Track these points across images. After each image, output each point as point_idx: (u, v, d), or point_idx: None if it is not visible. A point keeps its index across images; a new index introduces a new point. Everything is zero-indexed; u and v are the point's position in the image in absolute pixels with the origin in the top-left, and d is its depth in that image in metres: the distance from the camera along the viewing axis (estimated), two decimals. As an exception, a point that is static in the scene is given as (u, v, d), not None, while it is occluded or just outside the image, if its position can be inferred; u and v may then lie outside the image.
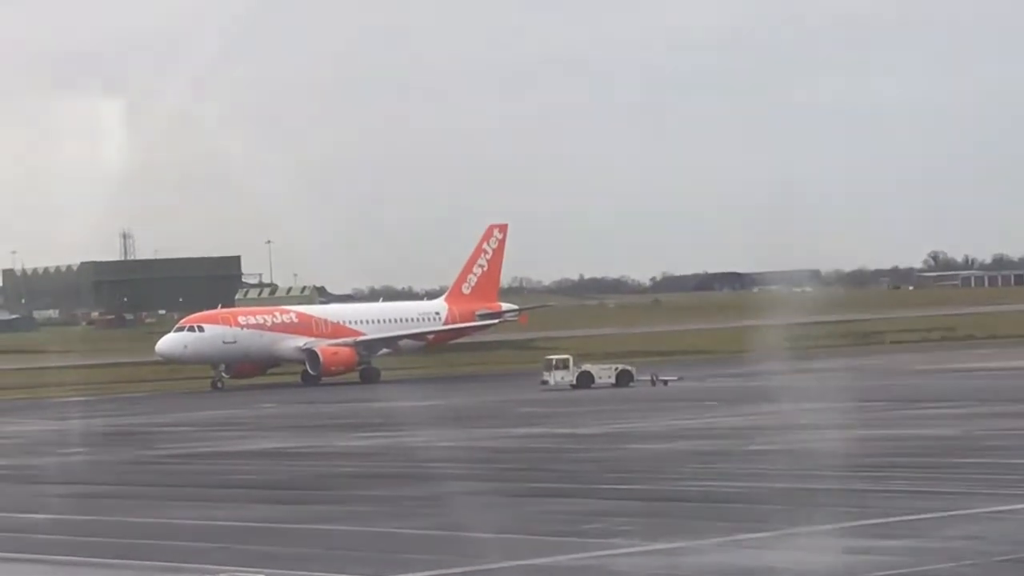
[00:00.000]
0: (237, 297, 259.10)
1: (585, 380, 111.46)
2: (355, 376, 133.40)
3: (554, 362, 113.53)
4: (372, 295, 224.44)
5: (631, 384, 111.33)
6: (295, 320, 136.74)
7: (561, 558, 40.67)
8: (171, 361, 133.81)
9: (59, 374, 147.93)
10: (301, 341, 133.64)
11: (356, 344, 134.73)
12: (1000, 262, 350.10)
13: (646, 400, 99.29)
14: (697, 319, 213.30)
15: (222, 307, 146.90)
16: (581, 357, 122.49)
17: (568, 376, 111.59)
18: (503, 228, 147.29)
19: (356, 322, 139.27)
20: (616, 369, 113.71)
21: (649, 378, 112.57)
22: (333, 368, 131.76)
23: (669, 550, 41.24)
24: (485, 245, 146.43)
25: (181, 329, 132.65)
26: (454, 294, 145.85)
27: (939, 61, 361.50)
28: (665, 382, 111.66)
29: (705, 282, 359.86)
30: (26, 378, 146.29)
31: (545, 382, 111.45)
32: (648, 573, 38.10)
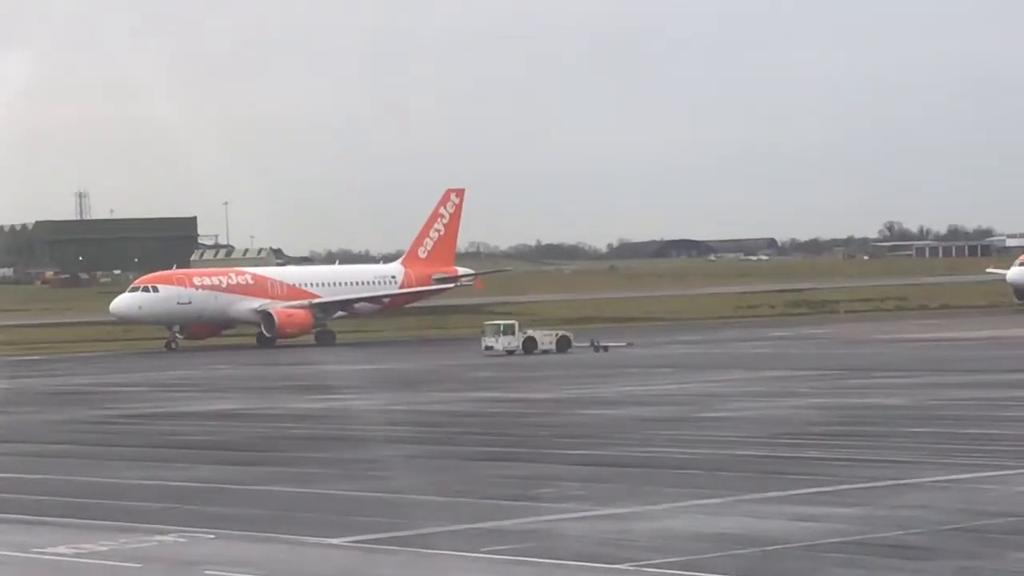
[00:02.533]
0: (193, 258, 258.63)
1: (530, 345, 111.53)
2: (310, 338, 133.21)
3: (501, 327, 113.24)
4: (329, 258, 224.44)
5: (569, 350, 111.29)
6: (251, 282, 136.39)
7: (513, 521, 40.64)
8: (125, 321, 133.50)
9: (11, 332, 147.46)
10: (256, 303, 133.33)
11: (311, 306, 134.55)
12: (954, 233, 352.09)
13: (595, 366, 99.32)
14: (653, 286, 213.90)
15: (177, 268, 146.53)
16: (535, 323, 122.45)
17: (514, 341, 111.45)
18: (460, 192, 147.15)
19: (312, 284, 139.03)
20: (556, 335, 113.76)
21: (590, 343, 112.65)
22: (288, 330, 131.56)
23: (621, 515, 41.25)
24: (442, 209, 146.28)
25: (136, 289, 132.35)
26: (410, 258, 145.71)
27: (895, 36, 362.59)
28: (606, 348, 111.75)
29: (662, 249, 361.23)
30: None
31: (489, 347, 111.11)
32: (600, 537, 38.08)
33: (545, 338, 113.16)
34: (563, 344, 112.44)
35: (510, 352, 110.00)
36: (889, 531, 37.95)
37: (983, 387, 76.93)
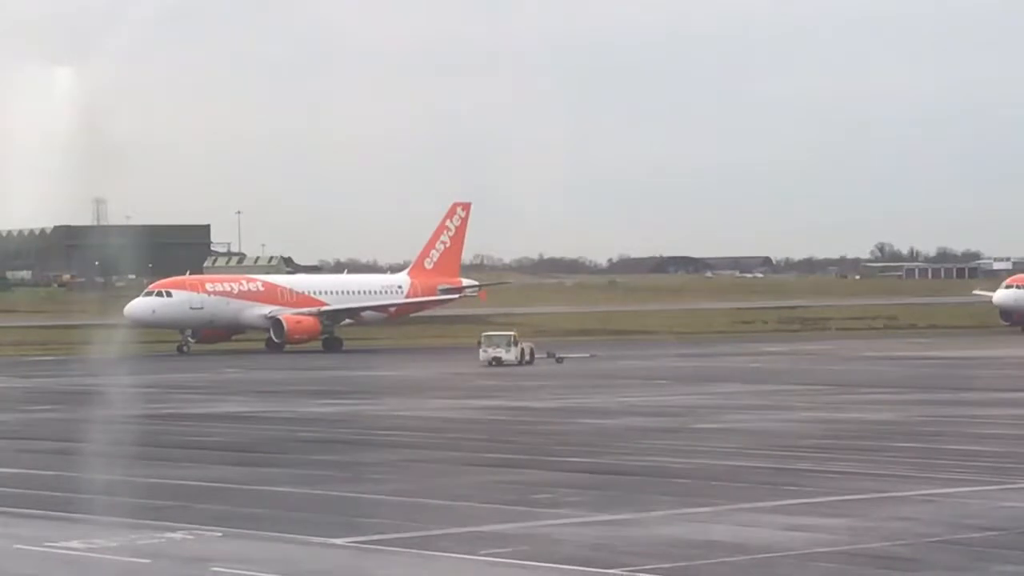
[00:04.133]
0: (205, 265, 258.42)
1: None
2: (318, 345, 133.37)
3: (498, 339, 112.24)
4: (337, 267, 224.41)
5: (532, 362, 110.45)
6: (261, 289, 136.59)
7: (511, 525, 40.66)
8: (139, 324, 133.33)
9: (28, 333, 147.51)
10: (266, 309, 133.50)
11: (320, 314, 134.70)
12: (943, 255, 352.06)
13: (595, 376, 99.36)
14: (652, 300, 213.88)
15: (190, 274, 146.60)
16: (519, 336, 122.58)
17: (511, 353, 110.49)
18: (466, 206, 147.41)
19: (321, 292, 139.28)
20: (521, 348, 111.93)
21: (546, 354, 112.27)
22: (297, 336, 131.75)
23: (615, 521, 41.27)
24: (448, 222, 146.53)
25: (150, 294, 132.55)
26: (417, 268, 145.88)
27: (896, 65, 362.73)
28: (560, 359, 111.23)
29: (660, 265, 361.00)
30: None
31: (498, 360, 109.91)
32: (595, 542, 38.10)
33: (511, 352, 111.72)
34: (530, 356, 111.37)
35: (499, 362, 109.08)
36: (876, 542, 37.96)
37: (968, 405, 76.99)
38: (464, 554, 36.69)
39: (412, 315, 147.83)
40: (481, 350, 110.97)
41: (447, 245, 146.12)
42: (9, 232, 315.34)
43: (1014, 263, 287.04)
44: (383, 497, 46.03)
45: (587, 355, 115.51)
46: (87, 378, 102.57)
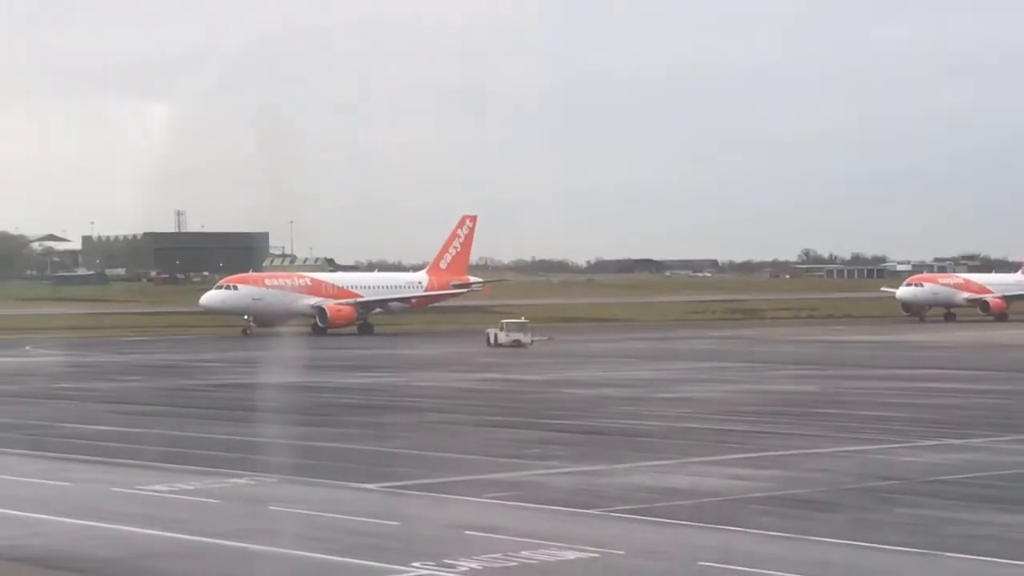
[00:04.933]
0: (264, 264, 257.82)
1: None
2: (354, 329, 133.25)
3: (512, 325, 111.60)
4: (370, 266, 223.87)
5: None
6: (309, 284, 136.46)
7: (508, 475, 40.65)
8: (211, 312, 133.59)
9: (124, 319, 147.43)
10: (313, 300, 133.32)
11: (356, 304, 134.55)
12: (856, 259, 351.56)
13: (575, 356, 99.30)
14: (620, 294, 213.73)
15: (252, 271, 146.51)
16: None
17: (527, 337, 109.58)
18: (474, 219, 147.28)
19: (356, 287, 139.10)
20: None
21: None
22: (337, 322, 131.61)
23: (592, 471, 41.26)
24: (459, 231, 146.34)
25: (220, 287, 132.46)
26: (434, 268, 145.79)
27: (824, 97, 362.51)
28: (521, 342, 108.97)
29: (629, 266, 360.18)
30: (98, 321, 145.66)
31: (518, 342, 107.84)
32: (575, 488, 38.10)
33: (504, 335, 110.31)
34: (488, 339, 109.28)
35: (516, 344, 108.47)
36: (801, 489, 37.97)
37: (877, 379, 76.94)
38: (471, 496, 36.69)
39: (430, 305, 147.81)
40: (503, 334, 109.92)
41: (458, 249, 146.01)
42: (108, 237, 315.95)
43: (913, 265, 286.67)
44: (406, 451, 46.04)
45: (546, 337, 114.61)
46: (169, 355, 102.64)
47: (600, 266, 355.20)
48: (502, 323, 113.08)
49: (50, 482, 39.79)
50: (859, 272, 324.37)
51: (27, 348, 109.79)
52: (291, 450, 46.40)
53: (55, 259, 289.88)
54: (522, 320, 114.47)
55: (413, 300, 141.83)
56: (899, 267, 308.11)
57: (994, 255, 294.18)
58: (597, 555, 29.13)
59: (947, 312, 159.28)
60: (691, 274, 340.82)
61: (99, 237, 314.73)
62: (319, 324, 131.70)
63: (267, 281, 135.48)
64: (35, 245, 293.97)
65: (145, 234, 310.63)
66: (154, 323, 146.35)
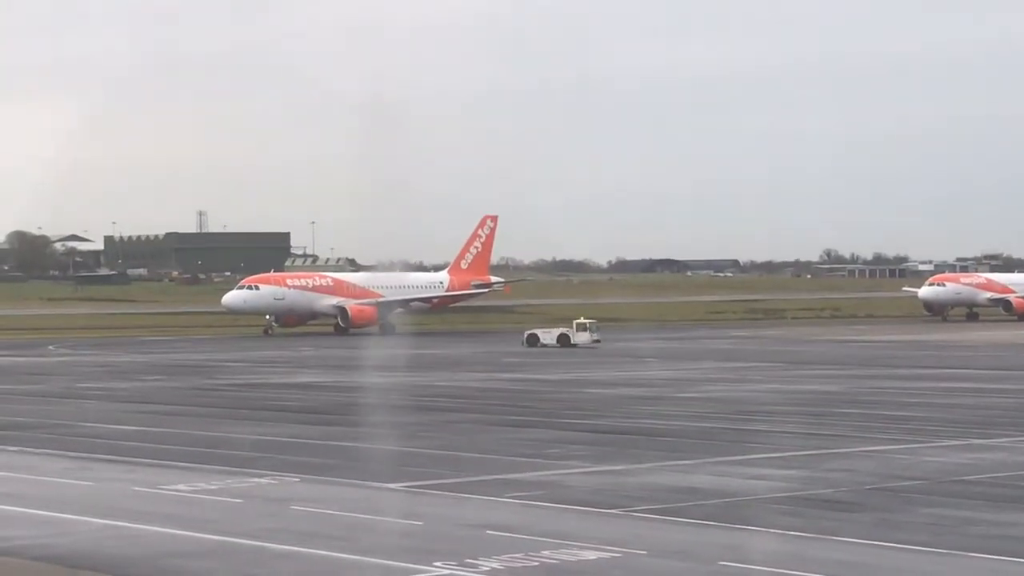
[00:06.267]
0: (286, 264, 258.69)
1: (564, 340, 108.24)
2: (376, 329, 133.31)
3: (585, 324, 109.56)
4: (391, 266, 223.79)
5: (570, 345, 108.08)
6: (330, 283, 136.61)
7: (529, 474, 40.62)
8: (233, 312, 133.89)
9: (145, 319, 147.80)
10: (335, 300, 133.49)
11: (377, 304, 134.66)
12: (878, 259, 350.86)
13: (595, 356, 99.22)
14: (642, 294, 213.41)
15: (274, 271, 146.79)
16: (551, 322, 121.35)
17: (587, 336, 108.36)
18: (495, 219, 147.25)
19: (378, 287, 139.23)
20: (556, 332, 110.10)
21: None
22: (359, 322, 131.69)
23: (613, 471, 41.21)
24: (480, 231, 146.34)
25: (242, 287, 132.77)
26: (455, 268, 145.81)
27: (849, 102, 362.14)
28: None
29: (650, 266, 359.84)
30: (120, 320, 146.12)
31: (599, 341, 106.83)
32: (597, 488, 38.06)
33: (546, 335, 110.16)
34: (563, 339, 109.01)
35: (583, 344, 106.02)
36: (823, 489, 37.87)
37: (898, 379, 76.74)
38: (493, 496, 36.67)
39: (451, 305, 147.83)
40: (575, 333, 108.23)
41: (479, 249, 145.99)
42: (129, 237, 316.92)
43: (935, 265, 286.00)
44: (428, 451, 46.03)
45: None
46: (191, 354, 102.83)
47: (621, 266, 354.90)
48: (574, 323, 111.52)
49: (73, 481, 39.90)
50: (881, 272, 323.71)
51: (50, 348, 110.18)
52: (312, 449, 46.44)
53: (78, 259, 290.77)
54: (591, 320, 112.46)
55: (434, 300, 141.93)
56: (921, 267, 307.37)
57: (1017, 254, 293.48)
58: (619, 555, 29.09)
59: (969, 312, 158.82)
60: (712, 274, 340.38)
61: (121, 237, 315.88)
62: (341, 324, 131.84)
63: (289, 281, 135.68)
64: (58, 245, 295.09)
65: (167, 234, 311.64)
66: (176, 323, 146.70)
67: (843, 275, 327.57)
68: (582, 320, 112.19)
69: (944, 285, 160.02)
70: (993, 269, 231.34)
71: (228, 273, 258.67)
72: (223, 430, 52.36)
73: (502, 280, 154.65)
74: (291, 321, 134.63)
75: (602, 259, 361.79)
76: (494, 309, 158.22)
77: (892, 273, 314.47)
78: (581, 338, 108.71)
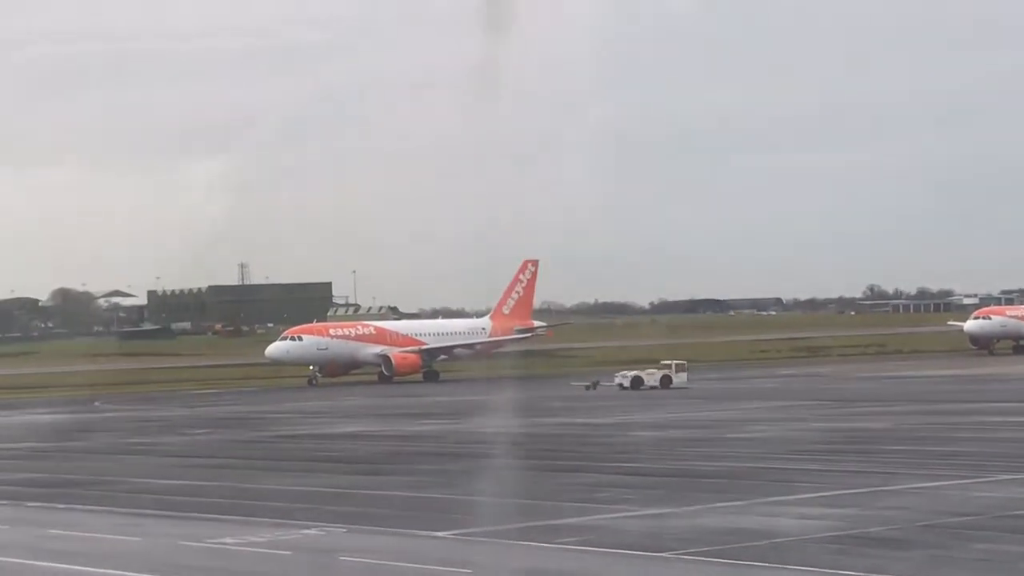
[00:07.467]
0: (328, 314, 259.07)
1: (636, 383, 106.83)
2: (420, 376, 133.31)
3: (671, 365, 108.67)
4: (433, 313, 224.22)
5: (671, 386, 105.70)
6: (373, 332, 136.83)
7: (579, 519, 40.43)
8: (277, 363, 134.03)
9: (191, 372, 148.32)
10: (378, 348, 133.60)
11: (421, 351, 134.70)
12: (922, 293, 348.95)
13: (643, 398, 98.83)
14: (685, 335, 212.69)
15: (317, 322, 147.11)
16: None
17: (684, 376, 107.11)
18: (535, 263, 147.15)
19: (421, 334, 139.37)
20: (660, 374, 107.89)
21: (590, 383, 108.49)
22: (403, 370, 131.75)
23: (662, 514, 40.98)
24: (521, 276, 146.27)
25: (285, 338, 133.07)
26: (497, 313, 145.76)
27: (874, 132, 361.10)
28: (595, 385, 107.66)
29: (692, 306, 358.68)
30: (165, 375, 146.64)
31: (667, 378, 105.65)
32: (646, 531, 37.85)
33: (649, 376, 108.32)
34: (665, 381, 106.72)
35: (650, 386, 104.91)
36: (874, 527, 37.57)
37: (946, 414, 76.16)
38: (544, 543, 36.51)
39: (494, 351, 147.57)
40: (675, 374, 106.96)
41: (520, 294, 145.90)
42: (173, 291, 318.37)
43: (980, 299, 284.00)
44: (475, 498, 45.87)
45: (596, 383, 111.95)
46: (237, 406, 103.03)
47: (663, 307, 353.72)
48: (660, 363, 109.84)
49: (121, 537, 39.95)
50: (925, 307, 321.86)
51: (96, 404, 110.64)
52: (360, 499, 46.38)
53: (121, 315, 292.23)
54: (681, 361, 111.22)
55: (478, 346, 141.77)
56: (966, 300, 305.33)
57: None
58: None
59: (1016, 344, 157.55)
60: (756, 313, 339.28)
61: (164, 291, 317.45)
62: (385, 372, 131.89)
63: (331, 331, 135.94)
64: (101, 301, 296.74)
65: (209, 287, 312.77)
66: (221, 375, 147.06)
67: (887, 311, 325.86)
68: (680, 361, 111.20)
69: (990, 318, 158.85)
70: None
71: (271, 324, 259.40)
72: (269, 482, 52.35)
73: (545, 324, 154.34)
74: (335, 371, 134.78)
75: (644, 300, 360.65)
76: (537, 353, 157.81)
77: (937, 307, 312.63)
78: (680, 378, 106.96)
